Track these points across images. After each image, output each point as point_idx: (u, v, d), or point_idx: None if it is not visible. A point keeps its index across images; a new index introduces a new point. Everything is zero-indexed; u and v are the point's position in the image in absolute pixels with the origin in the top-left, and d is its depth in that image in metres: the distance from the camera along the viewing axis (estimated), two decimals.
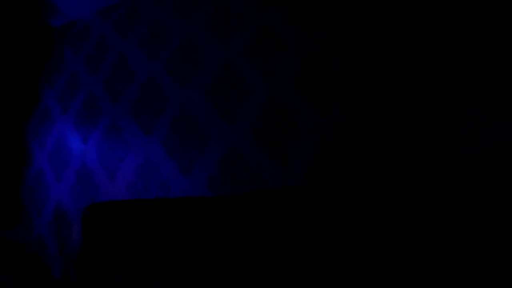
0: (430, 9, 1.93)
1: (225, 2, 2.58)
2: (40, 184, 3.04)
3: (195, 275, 1.55)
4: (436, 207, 1.25)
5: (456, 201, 1.25)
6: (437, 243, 1.21)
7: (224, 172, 2.12)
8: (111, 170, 2.55)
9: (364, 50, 1.98)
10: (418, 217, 1.26)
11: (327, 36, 2.10)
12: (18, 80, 3.45)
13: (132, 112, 2.60)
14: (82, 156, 2.73)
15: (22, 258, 2.27)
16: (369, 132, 1.87)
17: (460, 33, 1.80)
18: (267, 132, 2.08)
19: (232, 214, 1.69)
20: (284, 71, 2.15)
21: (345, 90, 1.96)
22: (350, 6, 2.10)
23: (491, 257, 1.14)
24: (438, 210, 1.25)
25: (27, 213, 3.08)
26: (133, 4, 3.12)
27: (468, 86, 1.68)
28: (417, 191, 1.30)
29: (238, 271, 1.49)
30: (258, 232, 1.47)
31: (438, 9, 1.91)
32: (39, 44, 3.58)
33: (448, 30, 1.85)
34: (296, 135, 2.00)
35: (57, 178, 2.91)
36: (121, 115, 2.64)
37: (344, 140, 1.91)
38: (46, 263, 2.51)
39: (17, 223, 2.64)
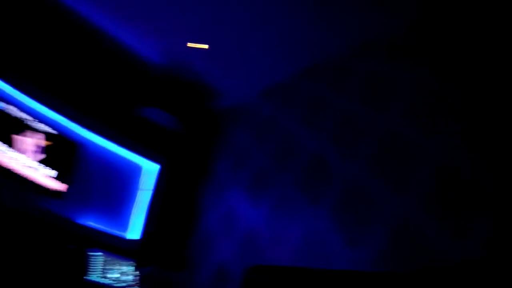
0: None
1: (377, 73, 2.71)
2: (209, 240, 3.49)
3: None
4: None
5: None
6: None
7: (393, 244, 2.01)
8: (276, 237, 2.77)
9: None
10: None
11: None
12: (197, 155, 4.32)
13: (299, 183, 2.83)
14: (249, 221, 3.09)
15: None
16: None
17: None
18: (441, 202, 1.88)
19: None
20: (452, 131, 2.04)
21: None
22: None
23: None
24: None
25: (194, 263, 3.53)
26: (291, 81, 3.55)
27: None
28: None
29: None
30: None
31: None
32: (211, 125, 4.47)
33: None
34: (476, 203, 1.76)
35: (225, 237, 3.30)
36: (288, 186, 2.90)
37: None
38: None
39: (183, 269, 3.03)
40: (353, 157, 2.55)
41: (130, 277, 3.26)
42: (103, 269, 3.20)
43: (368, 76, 2.81)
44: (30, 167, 3.34)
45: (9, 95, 3.46)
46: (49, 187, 3.36)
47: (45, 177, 3.37)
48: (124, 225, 3.78)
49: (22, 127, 3.37)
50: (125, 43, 3.82)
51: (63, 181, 3.44)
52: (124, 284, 3.22)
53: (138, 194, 3.97)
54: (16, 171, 3.27)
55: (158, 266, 2.48)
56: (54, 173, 3.40)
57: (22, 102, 3.49)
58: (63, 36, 3.80)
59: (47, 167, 3.40)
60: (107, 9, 3.43)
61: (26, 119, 3.41)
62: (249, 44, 3.37)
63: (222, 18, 3.15)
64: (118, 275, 3.25)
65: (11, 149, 3.30)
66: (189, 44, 3.41)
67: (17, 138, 3.34)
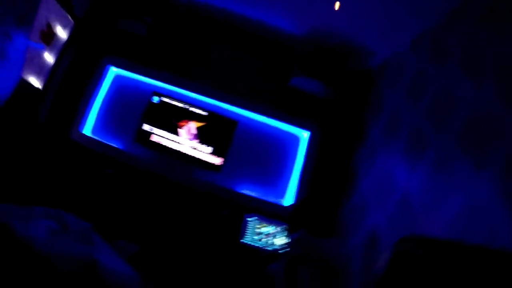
0: None
1: None
2: (361, 207, 3.27)
3: None
4: None
5: None
6: None
7: None
8: (432, 206, 2.38)
9: None
10: None
11: None
12: (348, 119, 4.05)
13: (460, 145, 2.27)
14: (404, 186, 2.75)
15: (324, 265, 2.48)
16: None
17: None
18: None
19: None
20: None
21: None
22: None
23: None
24: None
25: (344, 229, 3.41)
26: (443, 26, 2.90)
27: None
28: None
29: None
30: None
31: None
32: (361, 87, 4.09)
33: None
34: None
35: (377, 205, 2.99)
36: (447, 149, 2.41)
37: None
38: (342, 278, 2.61)
39: (332, 235, 2.95)
40: None
41: (281, 241, 3.43)
42: (256, 233, 3.46)
43: None
44: (191, 147, 3.84)
45: (164, 89, 4.05)
46: (209, 162, 3.78)
47: (205, 154, 3.81)
48: (279, 193, 3.97)
49: (180, 114, 3.88)
50: (267, 23, 3.93)
51: (220, 156, 3.85)
52: (274, 248, 3.42)
53: (291, 162, 4.05)
54: (182, 152, 3.83)
55: (306, 231, 2.49)
56: (211, 149, 3.79)
57: (177, 93, 4.01)
58: (208, 29, 4.27)
59: (205, 145, 3.82)
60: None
61: (182, 107, 3.91)
62: None
63: None
64: (270, 239, 3.47)
65: (174, 135, 3.87)
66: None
67: (178, 124, 3.88)
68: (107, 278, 1.89)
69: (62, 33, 3.36)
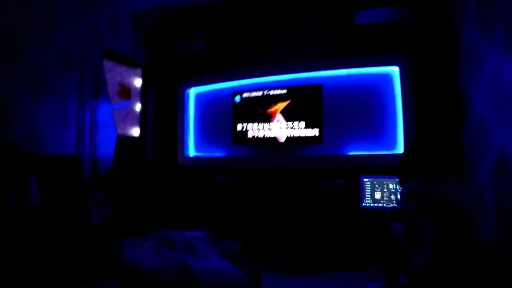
0: None
1: None
2: (481, 129, 2.65)
3: None
4: None
5: None
6: None
7: None
8: None
9: None
10: None
11: None
12: (435, 33, 3.27)
13: None
14: None
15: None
16: None
17: None
18: None
19: None
20: None
21: None
22: None
23: None
24: None
25: (469, 164, 2.84)
26: None
27: None
28: None
29: None
30: None
31: None
32: None
33: None
34: None
35: (499, 120, 2.38)
36: None
37: None
38: (478, 218, 2.09)
39: (447, 177, 2.41)
40: None
41: (397, 195, 3.04)
42: (373, 193, 3.18)
43: None
44: (286, 128, 3.85)
45: (240, 86, 4.24)
46: (307, 137, 3.76)
47: (300, 129, 3.82)
48: (391, 142, 3.55)
49: (264, 102, 3.94)
50: None
51: (315, 126, 3.78)
52: (392, 205, 3.05)
53: (392, 105, 3.56)
54: (278, 137, 3.86)
55: (421, 178, 2.16)
56: (304, 123, 3.71)
57: (253, 84, 4.17)
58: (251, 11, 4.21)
59: (298, 121, 3.85)
60: None
61: (262, 94, 3.98)
62: None
63: None
64: (387, 196, 3.13)
65: (267, 123, 3.97)
66: None
67: (266, 112, 3.95)
68: (201, 278, 2.20)
69: (136, 82, 3.96)
